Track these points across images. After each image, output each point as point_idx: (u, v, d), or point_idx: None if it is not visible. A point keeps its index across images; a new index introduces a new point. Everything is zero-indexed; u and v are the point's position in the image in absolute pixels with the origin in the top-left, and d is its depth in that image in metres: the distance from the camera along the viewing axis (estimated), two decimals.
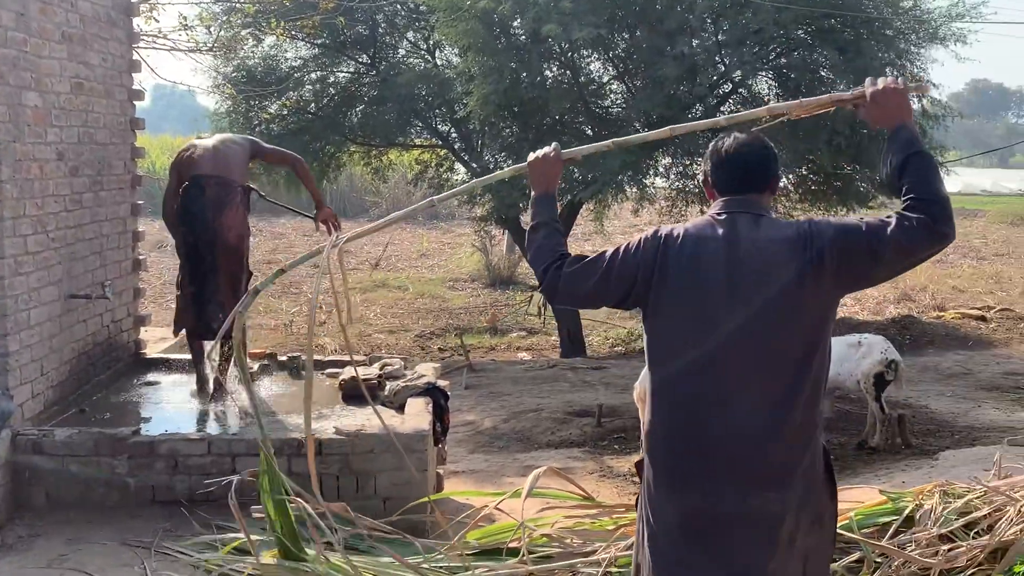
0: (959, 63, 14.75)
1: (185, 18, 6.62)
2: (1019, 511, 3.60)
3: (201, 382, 5.83)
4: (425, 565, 3.98)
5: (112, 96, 6.22)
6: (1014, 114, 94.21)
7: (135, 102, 6.63)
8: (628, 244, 2.78)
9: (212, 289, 5.73)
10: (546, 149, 3.01)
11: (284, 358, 6.57)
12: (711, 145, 2.79)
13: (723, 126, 3.24)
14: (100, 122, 6.02)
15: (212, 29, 7.85)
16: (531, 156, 3.03)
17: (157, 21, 6.76)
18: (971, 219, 28.60)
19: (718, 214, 2.68)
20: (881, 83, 2.65)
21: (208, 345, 5.83)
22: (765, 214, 2.67)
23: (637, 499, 2.81)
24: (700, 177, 2.86)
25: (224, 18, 10.00)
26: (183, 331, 5.99)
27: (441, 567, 4.02)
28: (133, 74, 6.59)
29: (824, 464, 2.66)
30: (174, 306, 6.17)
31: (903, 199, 2.51)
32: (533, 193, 3.00)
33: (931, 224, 2.44)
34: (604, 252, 2.81)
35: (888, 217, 2.52)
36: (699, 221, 2.73)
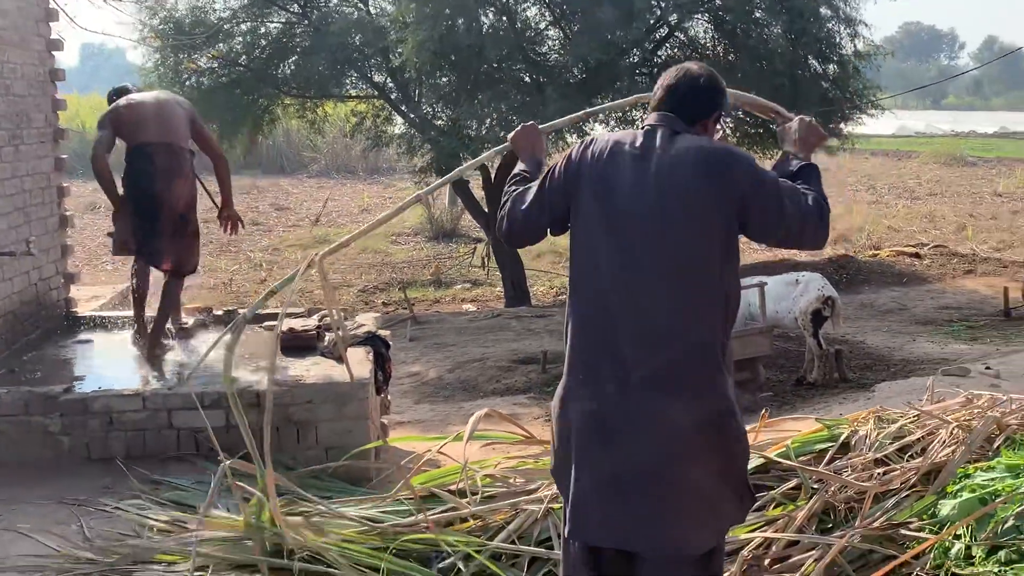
0: (892, 2, 14.83)
1: None
2: (951, 433, 3.68)
3: (142, 331, 5.77)
4: (372, 511, 3.96)
5: (28, 46, 5.98)
6: (946, 56, 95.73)
7: (54, 52, 6.38)
8: (555, 165, 2.80)
9: (159, 241, 5.68)
10: (524, 124, 3.16)
11: (220, 312, 6.45)
12: (664, 75, 2.82)
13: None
14: (16, 73, 5.79)
15: None
16: (510, 134, 3.16)
17: None
18: (905, 160, 29.11)
19: (641, 126, 2.73)
20: (808, 119, 2.94)
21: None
22: (685, 131, 2.69)
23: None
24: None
25: None
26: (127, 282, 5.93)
27: (387, 511, 4.00)
28: (50, 23, 6.34)
29: (726, 406, 2.64)
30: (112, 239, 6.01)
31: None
32: (521, 165, 3.07)
33: (820, 222, 2.67)
34: (542, 176, 2.84)
35: (803, 194, 2.68)
36: (619, 133, 2.77)
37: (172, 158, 5.61)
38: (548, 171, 2.81)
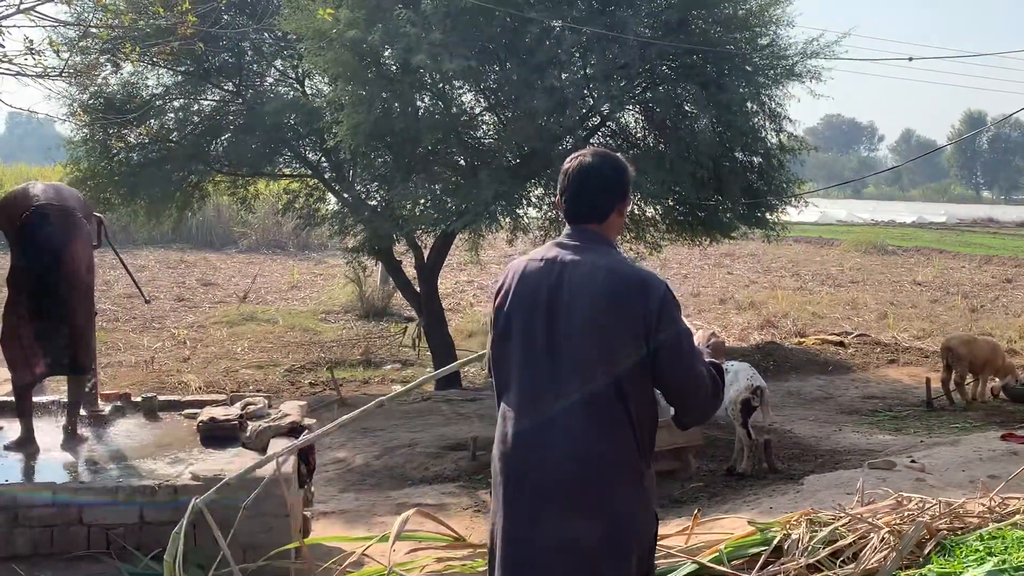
0: (814, 99, 15.39)
1: (31, 42, 6.23)
2: (882, 538, 3.67)
3: (27, 435, 5.37)
4: None
5: None
6: (865, 147, 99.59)
7: None
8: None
9: (61, 325, 5.32)
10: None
11: (139, 399, 6.22)
12: (565, 162, 2.80)
13: None
14: None
15: (62, 54, 7.43)
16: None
17: (2, 46, 6.34)
18: (828, 247, 29.93)
19: (557, 243, 2.73)
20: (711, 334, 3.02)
21: (44, 386, 5.47)
22: (596, 245, 2.68)
23: None
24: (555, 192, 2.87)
25: (78, 43, 9.53)
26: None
27: None
28: None
29: (651, 515, 2.67)
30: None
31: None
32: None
33: (712, 395, 2.74)
34: None
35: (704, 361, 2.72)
36: (532, 253, 2.77)
37: (67, 218, 5.40)
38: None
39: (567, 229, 2.75)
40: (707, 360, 2.76)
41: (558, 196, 2.78)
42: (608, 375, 2.55)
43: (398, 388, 12.45)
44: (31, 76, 6.22)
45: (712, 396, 2.69)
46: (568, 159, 2.78)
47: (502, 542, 2.63)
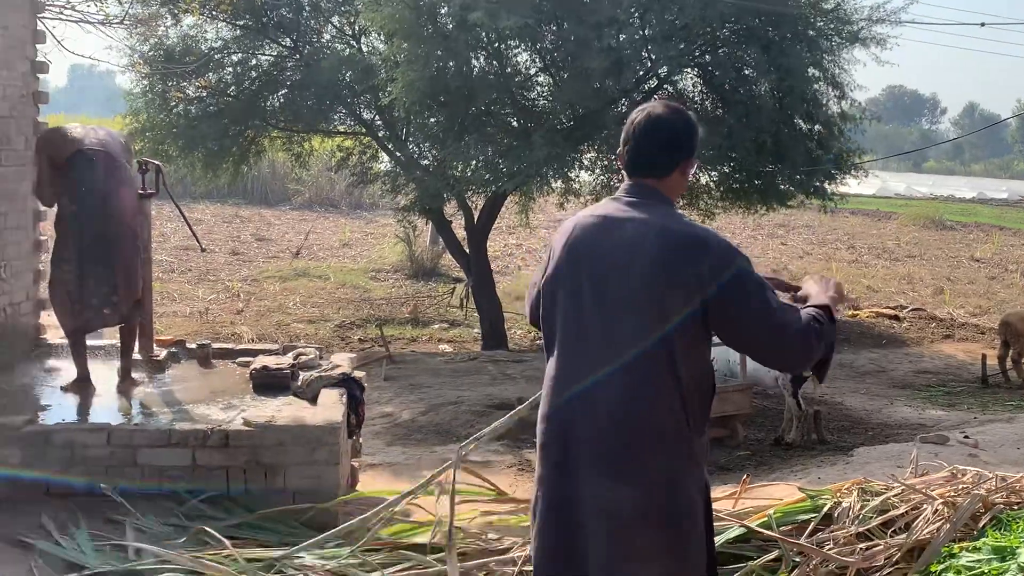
0: (879, 67, 15.00)
1: None
2: (935, 510, 3.60)
3: (82, 378, 5.44)
4: (334, 563, 3.84)
5: (12, 67, 5.89)
6: (927, 120, 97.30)
7: (39, 75, 6.29)
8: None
9: (103, 274, 5.32)
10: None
11: (193, 345, 6.31)
12: (633, 112, 2.72)
13: None
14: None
15: (123, 2, 7.49)
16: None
17: None
18: (885, 221, 29.36)
19: (613, 198, 2.67)
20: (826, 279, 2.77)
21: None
22: (662, 204, 2.60)
23: None
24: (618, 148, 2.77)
25: None
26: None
27: (353, 564, 3.88)
28: (37, 45, 6.25)
29: (699, 487, 2.59)
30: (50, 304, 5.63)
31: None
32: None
33: (800, 357, 2.55)
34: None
35: (793, 309, 2.54)
36: (599, 206, 2.69)
37: (112, 163, 5.36)
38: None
39: (625, 183, 2.67)
40: (812, 304, 2.61)
41: (621, 147, 2.69)
42: (657, 339, 2.48)
43: (445, 347, 12.52)
44: (93, 23, 6.27)
45: (803, 346, 2.50)
46: (636, 110, 2.69)
47: (544, 504, 2.61)
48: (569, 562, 2.56)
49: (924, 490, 3.76)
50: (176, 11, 10.92)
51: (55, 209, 5.53)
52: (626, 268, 2.51)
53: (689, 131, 2.65)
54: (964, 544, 3.46)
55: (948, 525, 3.49)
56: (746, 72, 11.05)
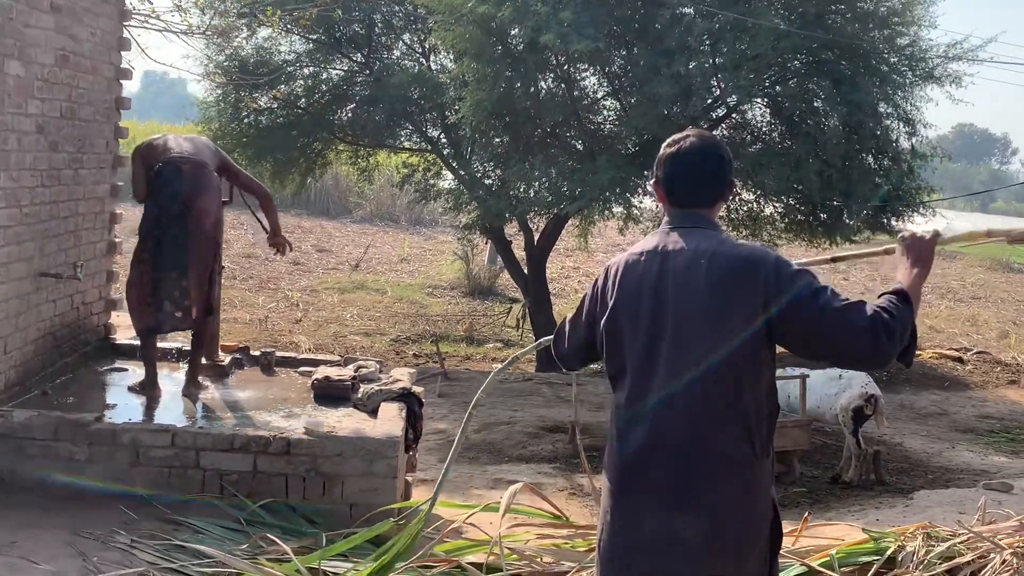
0: (953, 104, 14.73)
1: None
2: (1003, 560, 3.51)
3: (150, 379, 5.54)
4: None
5: (99, 72, 6.06)
6: (997, 160, 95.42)
7: (122, 81, 6.46)
8: (588, 292, 2.81)
9: (179, 279, 5.44)
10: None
11: (257, 353, 6.41)
12: (663, 147, 2.70)
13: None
14: (84, 98, 5.86)
15: (206, 13, 7.69)
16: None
17: (151, 1, 6.61)
18: (950, 261, 28.77)
19: (665, 230, 2.65)
20: (911, 234, 2.67)
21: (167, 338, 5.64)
22: (709, 228, 2.61)
23: None
24: (651, 180, 2.76)
25: (220, 4, 9.85)
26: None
27: None
28: (122, 52, 6.43)
29: (764, 512, 2.55)
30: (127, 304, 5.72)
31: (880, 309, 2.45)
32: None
33: (874, 339, 2.41)
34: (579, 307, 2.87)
35: (859, 307, 2.43)
36: (636, 246, 2.69)
37: (199, 171, 5.50)
38: (580, 304, 2.85)
39: (670, 214, 2.66)
40: (886, 292, 2.52)
41: (656, 179, 2.68)
42: (721, 364, 2.47)
43: (499, 367, 12.53)
44: (176, 32, 6.44)
45: (874, 342, 2.38)
46: (667, 143, 2.69)
47: (609, 533, 2.60)
48: None
49: (992, 538, 3.67)
50: (253, 23, 11.15)
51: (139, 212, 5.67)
52: (682, 298, 2.51)
53: (727, 158, 2.67)
54: None
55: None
56: (816, 104, 10.95)
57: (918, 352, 11.66)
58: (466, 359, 12.78)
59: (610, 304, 2.63)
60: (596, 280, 2.76)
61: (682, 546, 2.46)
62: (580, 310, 2.83)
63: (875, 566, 3.62)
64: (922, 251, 2.64)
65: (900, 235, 2.72)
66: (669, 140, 2.69)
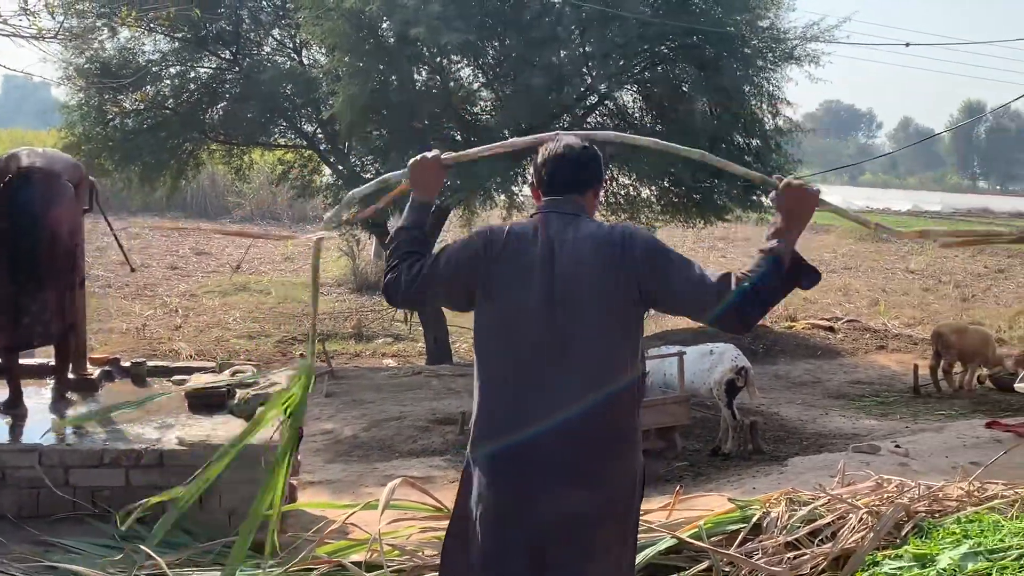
0: (813, 84, 15.32)
1: (26, 2, 6.19)
2: (860, 519, 3.70)
3: (14, 398, 5.32)
4: None
5: None
6: (864, 134, 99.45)
7: None
8: (453, 246, 2.80)
9: (36, 292, 5.22)
10: (426, 154, 2.96)
11: (128, 363, 6.23)
12: (540, 149, 2.84)
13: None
14: None
15: (57, 16, 7.39)
16: (412, 160, 2.97)
17: None
18: (822, 233, 29.90)
19: (538, 214, 2.75)
20: (794, 183, 2.68)
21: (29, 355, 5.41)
22: (581, 214, 2.73)
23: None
24: (529, 180, 2.89)
25: (74, 5, 9.46)
26: None
27: None
28: None
29: (636, 478, 2.67)
30: None
31: (747, 273, 2.56)
32: (412, 196, 2.94)
33: (742, 312, 2.54)
34: (436, 254, 2.80)
35: (718, 281, 2.53)
36: (521, 221, 2.79)
37: (51, 181, 5.28)
38: (443, 253, 2.78)
39: (549, 199, 2.77)
40: (768, 255, 2.60)
41: (537, 173, 2.80)
42: (613, 342, 2.58)
43: (389, 362, 12.48)
44: (25, 37, 6.18)
45: (737, 301, 2.49)
46: (547, 143, 2.83)
47: (491, 517, 2.60)
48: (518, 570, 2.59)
49: (849, 500, 3.86)
50: (113, 24, 10.78)
51: None
52: (570, 279, 2.59)
53: (598, 155, 2.84)
54: (887, 552, 3.56)
55: (872, 534, 3.60)
56: (684, 89, 11.24)
57: (792, 324, 12.05)
58: (355, 356, 12.69)
59: (496, 273, 2.65)
60: (465, 242, 2.76)
61: (582, 520, 2.53)
62: (435, 263, 2.75)
63: (742, 533, 3.77)
64: (803, 209, 2.67)
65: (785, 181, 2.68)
66: (548, 143, 2.84)
